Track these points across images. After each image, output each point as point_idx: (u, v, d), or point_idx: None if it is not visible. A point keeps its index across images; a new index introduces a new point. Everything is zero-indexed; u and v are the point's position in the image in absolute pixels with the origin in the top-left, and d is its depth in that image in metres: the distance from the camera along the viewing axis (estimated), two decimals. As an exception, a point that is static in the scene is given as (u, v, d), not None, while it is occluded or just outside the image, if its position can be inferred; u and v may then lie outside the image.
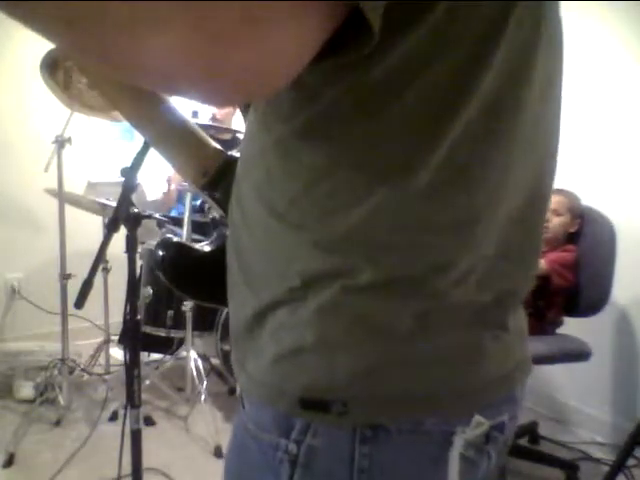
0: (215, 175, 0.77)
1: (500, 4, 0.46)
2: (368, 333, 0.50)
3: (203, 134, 0.79)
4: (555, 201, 2.22)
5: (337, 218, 0.49)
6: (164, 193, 3.15)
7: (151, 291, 2.57)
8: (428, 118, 0.47)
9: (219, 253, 0.66)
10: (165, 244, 0.83)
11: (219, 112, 2.87)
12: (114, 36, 0.33)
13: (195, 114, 2.36)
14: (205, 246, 0.83)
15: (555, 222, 2.21)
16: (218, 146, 0.79)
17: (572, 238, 2.25)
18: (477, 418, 0.51)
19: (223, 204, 0.74)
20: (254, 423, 0.55)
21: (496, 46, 0.46)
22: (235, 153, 0.76)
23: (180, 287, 0.83)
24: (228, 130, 2.78)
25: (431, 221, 0.49)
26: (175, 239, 0.84)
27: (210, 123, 2.68)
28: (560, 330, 2.24)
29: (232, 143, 2.74)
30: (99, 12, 0.32)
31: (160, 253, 0.81)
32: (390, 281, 0.50)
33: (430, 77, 0.45)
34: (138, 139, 2.82)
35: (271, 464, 0.52)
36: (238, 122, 2.96)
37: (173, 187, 3.09)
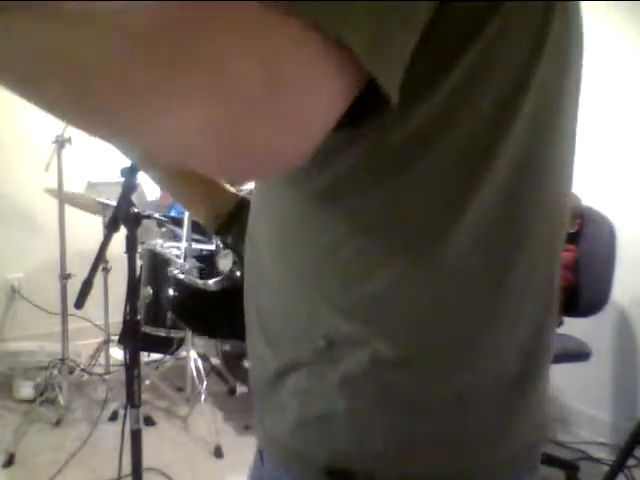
0: (227, 220, 0.74)
1: (526, 54, 0.43)
2: (399, 408, 0.48)
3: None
4: (555, 201, 2.21)
5: (358, 285, 0.47)
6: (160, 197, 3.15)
7: (151, 291, 2.57)
8: (451, 183, 0.44)
9: (226, 293, 0.66)
10: (176, 284, 0.85)
11: None
12: (129, 121, 0.31)
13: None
14: (212, 285, 0.83)
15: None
16: (230, 188, 0.77)
17: (572, 238, 2.25)
18: None
19: (236, 249, 0.72)
20: None
21: (525, 93, 0.43)
22: (247, 195, 0.74)
23: (189, 323, 0.84)
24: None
25: (459, 293, 0.47)
26: (185, 279, 0.86)
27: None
28: (560, 330, 2.24)
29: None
30: (112, 82, 0.29)
31: (171, 293, 0.83)
32: (419, 355, 0.48)
33: (452, 140, 0.43)
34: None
35: None
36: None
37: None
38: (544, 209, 0.49)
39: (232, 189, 0.77)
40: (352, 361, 0.48)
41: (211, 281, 0.82)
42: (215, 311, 0.81)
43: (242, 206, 0.73)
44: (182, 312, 0.84)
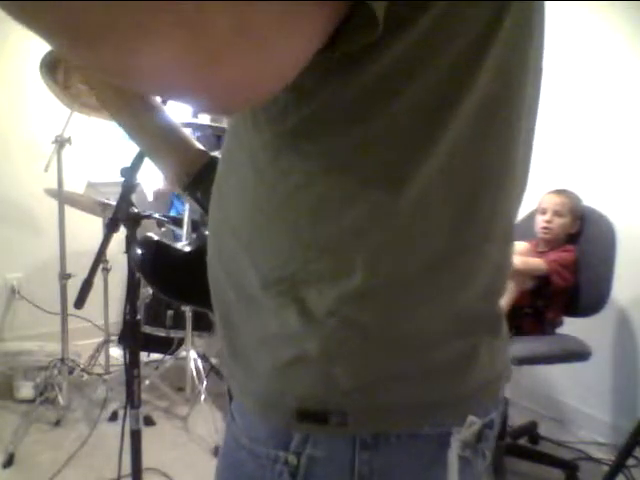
0: (197, 175, 0.77)
1: (495, 4, 0.45)
2: (367, 343, 0.49)
3: (186, 134, 0.79)
4: (558, 202, 2.21)
5: (331, 220, 0.48)
6: (156, 192, 3.14)
7: (151, 291, 2.57)
8: (421, 121, 0.46)
9: (200, 254, 0.65)
10: (145, 243, 0.82)
11: None
12: (113, 50, 0.34)
13: (195, 114, 2.36)
14: (185, 246, 0.82)
15: (557, 223, 2.21)
16: (201, 147, 0.79)
17: (572, 238, 2.25)
18: (470, 418, 0.52)
19: (204, 204, 0.74)
20: (249, 437, 0.54)
21: (490, 47, 0.45)
22: (217, 154, 0.75)
23: (158, 287, 0.81)
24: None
25: (426, 227, 0.49)
26: (155, 238, 0.82)
27: (209, 123, 2.68)
28: (560, 330, 2.24)
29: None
30: (100, 28, 0.32)
31: (139, 252, 0.80)
32: (386, 288, 0.49)
33: (424, 78, 0.45)
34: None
35: (270, 478, 0.52)
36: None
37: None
38: (506, 155, 0.51)
39: (203, 148, 0.79)
40: (318, 300, 0.49)
41: (182, 243, 0.80)
42: (186, 274, 0.79)
43: (212, 164, 0.75)
44: (151, 273, 0.80)
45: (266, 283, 0.52)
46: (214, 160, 0.76)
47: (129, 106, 0.75)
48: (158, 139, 0.78)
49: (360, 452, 0.50)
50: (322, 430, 0.50)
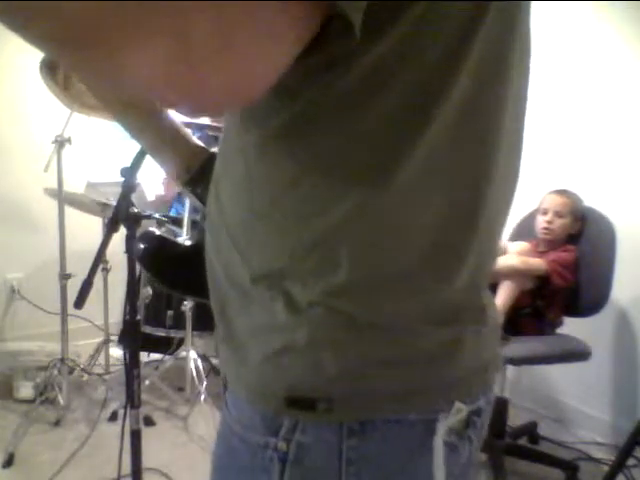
0: (197, 171, 0.78)
1: (476, 2, 0.46)
2: (352, 332, 0.51)
3: (186, 131, 0.80)
4: (559, 203, 2.21)
5: (317, 218, 0.49)
6: (157, 196, 3.14)
7: (151, 291, 2.57)
8: (405, 118, 0.47)
9: (199, 247, 0.67)
10: (147, 237, 0.83)
11: None
12: (100, 59, 0.35)
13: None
14: (186, 240, 0.83)
15: (558, 224, 2.21)
16: (201, 143, 0.80)
17: (572, 238, 2.25)
18: (457, 405, 0.53)
19: (205, 199, 0.75)
20: (241, 425, 0.56)
21: (472, 43, 0.46)
22: (216, 150, 0.76)
23: (159, 278, 0.82)
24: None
25: (410, 223, 0.50)
26: (157, 232, 0.84)
27: (208, 123, 2.68)
28: (560, 330, 2.24)
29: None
30: (92, 32, 0.33)
31: (141, 245, 0.81)
32: (372, 280, 0.50)
33: (407, 77, 0.46)
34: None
35: (261, 464, 0.53)
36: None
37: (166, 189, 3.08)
38: (490, 146, 0.52)
39: (202, 144, 0.80)
40: (306, 295, 0.50)
41: (183, 237, 0.82)
42: (187, 266, 0.80)
43: (212, 159, 0.76)
44: (153, 266, 0.82)
45: (255, 278, 0.53)
46: (214, 156, 0.77)
47: (129, 104, 0.75)
48: (159, 136, 0.79)
49: (347, 438, 0.51)
50: (310, 416, 0.51)
